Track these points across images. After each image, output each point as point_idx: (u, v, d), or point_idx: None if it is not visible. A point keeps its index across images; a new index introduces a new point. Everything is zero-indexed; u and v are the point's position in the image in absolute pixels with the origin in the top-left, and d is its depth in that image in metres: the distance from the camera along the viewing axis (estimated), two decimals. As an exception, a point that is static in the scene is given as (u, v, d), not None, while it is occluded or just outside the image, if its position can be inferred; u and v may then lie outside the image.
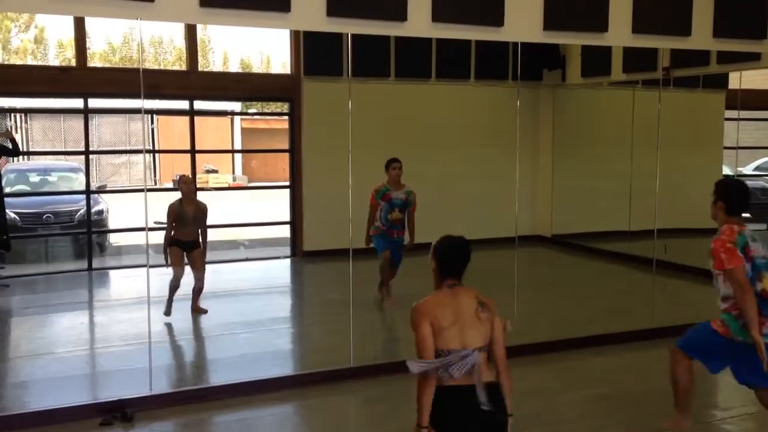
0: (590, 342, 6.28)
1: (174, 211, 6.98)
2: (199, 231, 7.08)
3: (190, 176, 8.12)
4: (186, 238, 6.99)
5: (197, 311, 7.16)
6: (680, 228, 10.16)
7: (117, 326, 6.93)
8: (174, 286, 6.99)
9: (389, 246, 7.41)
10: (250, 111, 22.02)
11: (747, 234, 4.13)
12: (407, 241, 7.51)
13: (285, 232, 10.93)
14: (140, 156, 21.50)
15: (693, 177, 11.66)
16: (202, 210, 7.10)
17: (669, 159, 9.26)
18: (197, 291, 7.18)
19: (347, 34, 6.15)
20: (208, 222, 7.21)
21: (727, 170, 12.62)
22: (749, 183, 14.75)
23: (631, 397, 5.09)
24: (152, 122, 20.45)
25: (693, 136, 11.54)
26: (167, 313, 6.89)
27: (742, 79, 10.01)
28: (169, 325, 6.80)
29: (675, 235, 9.81)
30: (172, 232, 6.95)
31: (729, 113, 11.78)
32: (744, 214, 4.27)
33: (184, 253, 7.04)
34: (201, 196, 10.15)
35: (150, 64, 21.22)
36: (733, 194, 4.31)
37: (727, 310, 4.12)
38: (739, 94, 9.80)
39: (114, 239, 11.79)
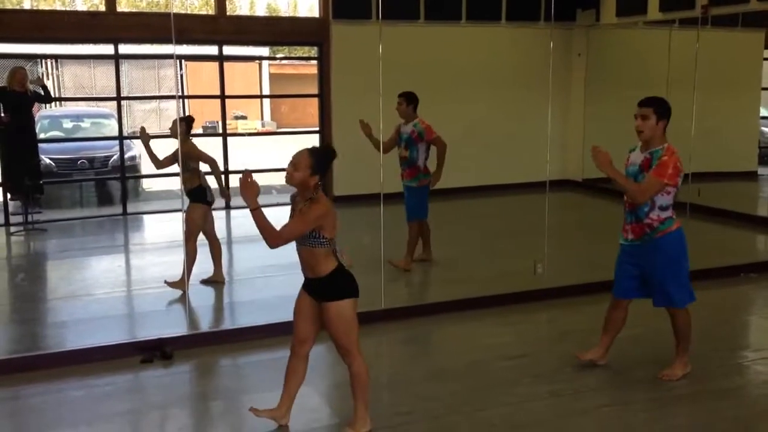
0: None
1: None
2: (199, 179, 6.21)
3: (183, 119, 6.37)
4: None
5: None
6: (714, 171, 9.99)
7: (153, 269, 7.08)
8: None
9: (404, 194, 6.91)
10: (278, 56, 21.87)
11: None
12: (432, 179, 6.80)
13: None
14: (169, 102, 21.53)
15: (729, 119, 11.41)
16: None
17: (705, 101, 9.06)
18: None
19: (377, -26, 6.04)
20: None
21: (764, 112, 12.32)
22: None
23: (661, 338, 5.09)
24: (181, 68, 20.43)
25: (730, 78, 11.25)
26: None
27: (784, 18, 9.68)
28: (204, 268, 6.92)
29: (709, 178, 9.66)
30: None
31: (768, 53, 11.45)
32: None
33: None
34: (231, 142, 10.27)
35: (177, 9, 21.04)
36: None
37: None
38: (780, 33, 9.49)
39: (147, 184, 11.96)
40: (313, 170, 3.56)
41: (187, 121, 6.24)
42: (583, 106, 11.56)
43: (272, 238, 3.55)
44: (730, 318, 5.78)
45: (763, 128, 12.55)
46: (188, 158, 6.08)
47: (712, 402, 4.18)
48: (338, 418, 4.10)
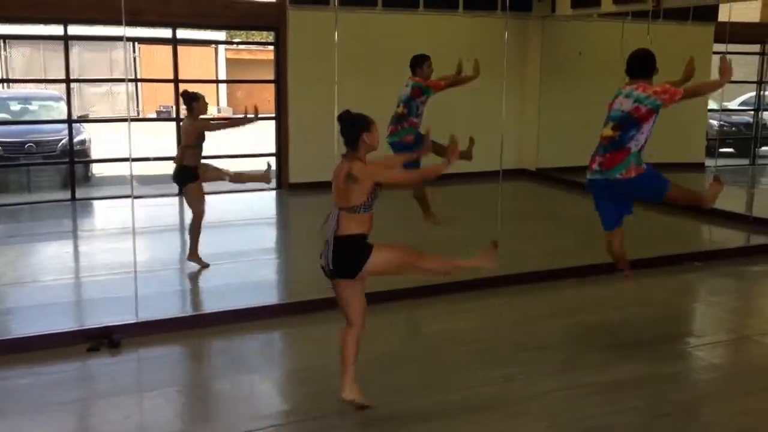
0: (573, 273, 6.39)
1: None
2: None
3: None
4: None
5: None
6: (663, 162, 10.17)
7: (102, 255, 6.95)
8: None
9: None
10: (234, 40, 21.59)
11: (623, 90, 4.87)
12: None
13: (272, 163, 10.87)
14: (122, 85, 21.09)
15: (678, 111, 11.60)
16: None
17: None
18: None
19: (333, -41, 5.99)
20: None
21: (712, 104, 12.62)
22: (734, 118, 14.87)
23: (611, 324, 5.23)
24: (134, 51, 20.03)
25: (681, 70, 11.44)
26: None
27: (731, 12, 9.90)
28: (154, 256, 6.83)
29: (657, 169, 9.85)
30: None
31: (717, 47, 11.70)
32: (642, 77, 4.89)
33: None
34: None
35: (130, -9, 20.59)
36: (628, 60, 4.97)
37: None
38: (727, 28, 9.70)
39: (97, 169, 11.72)
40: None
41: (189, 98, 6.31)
42: (537, 95, 11.67)
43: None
44: (674, 305, 5.94)
45: (711, 121, 12.86)
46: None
47: (657, 386, 4.28)
48: (288, 406, 4.10)
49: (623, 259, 5.15)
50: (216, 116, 22.81)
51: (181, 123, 10.09)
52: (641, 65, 4.85)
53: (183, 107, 6.51)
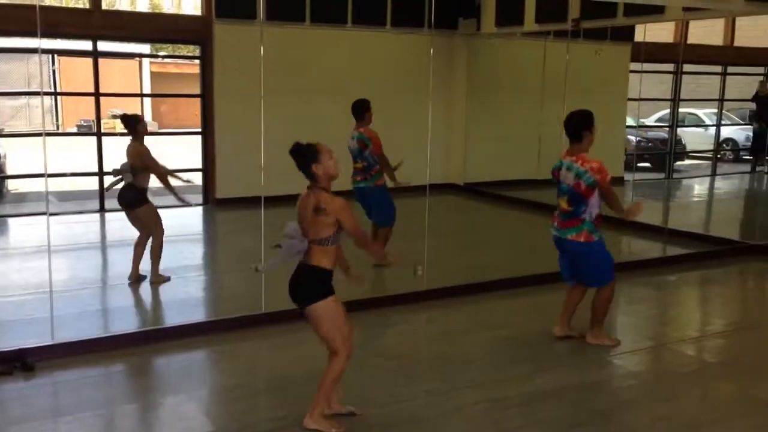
0: (497, 286, 6.50)
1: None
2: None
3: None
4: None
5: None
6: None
7: (17, 275, 6.67)
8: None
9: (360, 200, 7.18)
10: (159, 54, 21.17)
11: (564, 161, 4.99)
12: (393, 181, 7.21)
13: (197, 179, 10.69)
14: (40, 99, 20.37)
15: (598, 127, 12.05)
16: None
17: (576, 109, 9.52)
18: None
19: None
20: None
21: (630, 121, 13.13)
22: (650, 134, 15.52)
23: (533, 336, 5.32)
24: (53, 63, 19.40)
25: (599, 87, 11.88)
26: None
27: (646, 33, 10.34)
28: (72, 274, 6.59)
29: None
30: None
31: (634, 65, 12.20)
32: (577, 142, 4.99)
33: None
34: (107, 143, 9.84)
35: (50, 1, 19.93)
36: (565, 123, 5.02)
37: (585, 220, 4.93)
38: (643, 47, 10.11)
39: (13, 186, 11.25)
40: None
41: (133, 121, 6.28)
42: (464, 111, 11.88)
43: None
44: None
45: (629, 137, 13.36)
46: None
47: (576, 395, 4.39)
48: (214, 426, 4.00)
49: (564, 325, 5.27)
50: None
51: (104, 137, 9.82)
52: (576, 129, 4.94)
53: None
